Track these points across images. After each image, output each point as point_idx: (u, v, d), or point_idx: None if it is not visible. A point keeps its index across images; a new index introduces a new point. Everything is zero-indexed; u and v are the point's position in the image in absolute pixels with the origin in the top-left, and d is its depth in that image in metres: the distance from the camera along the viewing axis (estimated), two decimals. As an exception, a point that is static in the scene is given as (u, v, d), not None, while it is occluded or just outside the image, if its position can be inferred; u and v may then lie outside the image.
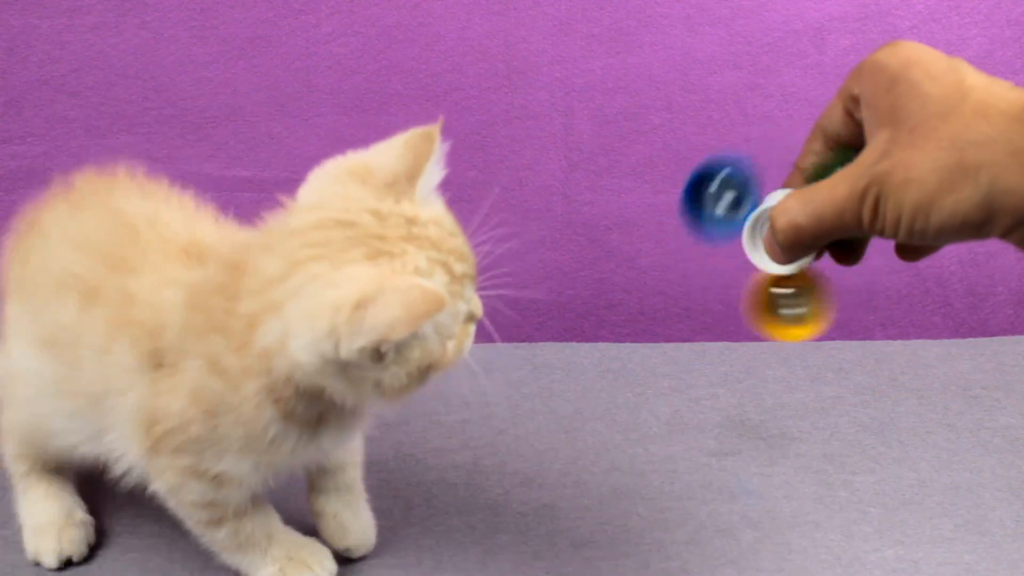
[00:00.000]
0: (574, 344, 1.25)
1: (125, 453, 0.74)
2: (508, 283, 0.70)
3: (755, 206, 0.66)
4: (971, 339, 1.27)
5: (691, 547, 0.86)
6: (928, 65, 0.57)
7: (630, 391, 1.12)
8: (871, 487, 0.94)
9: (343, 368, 0.63)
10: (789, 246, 0.61)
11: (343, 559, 0.82)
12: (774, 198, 0.64)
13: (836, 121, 0.63)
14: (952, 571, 0.82)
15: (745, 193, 0.66)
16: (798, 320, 0.67)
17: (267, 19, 1.23)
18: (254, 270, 0.66)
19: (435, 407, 1.06)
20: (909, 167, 0.55)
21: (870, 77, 0.59)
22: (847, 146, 0.63)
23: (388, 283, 0.61)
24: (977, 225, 0.54)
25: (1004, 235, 0.55)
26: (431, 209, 0.68)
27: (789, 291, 0.67)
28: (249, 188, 1.24)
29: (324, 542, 0.82)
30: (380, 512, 0.89)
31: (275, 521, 0.80)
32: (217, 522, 0.76)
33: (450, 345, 0.66)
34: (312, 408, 0.69)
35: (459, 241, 0.68)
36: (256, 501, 0.77)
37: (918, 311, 1.30)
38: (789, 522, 0.89)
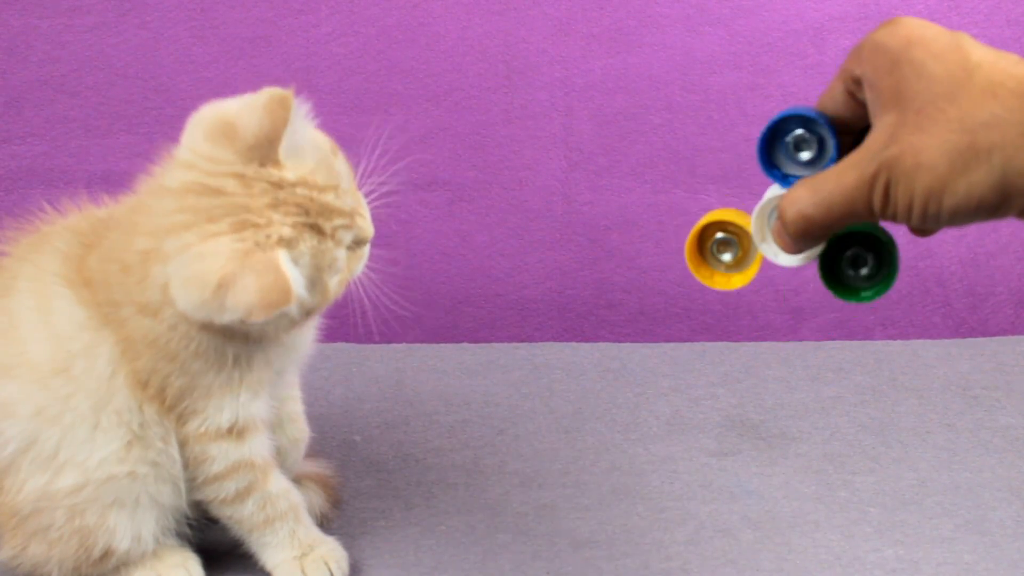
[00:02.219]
0: (574, 344, 1.25)
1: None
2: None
3: (833, 159, 0.62)
4: (971, 339, 1.27)
5: (691, 547, 0.86)
6: (930, 43, 0.55)
7: (630, 391, 1.12)
8: (871, 487, 0.94)
9: (229, 326, 0.69)
10: (799, 236, 0.60)
11: (354, 564, 0.82)
12: (779, 188, 0.63)
13: (838, 102, 0.61)
14: (952, 571, 0.82)
15: (823, 149, 0.62)
16: (729, 267, 0.67)
17: (267, 19, 1.23)
18: (142, 211, 0.72)
19: (435, 407, 1.06)
20: (919, 151, 0.53)
21: (871, 58, 0.57)
22: (849, 127, 0.61)
23: (247, 263, 0.65)
24: (993, 207, 0.53)
25: (1021, 215, 0.54)
26: (300, 167, 0.69)
27: (724, 238, 0.66)
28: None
29: None
30: (380, 512, 0.89)
31: (299, 498, 0.81)
32: (246, 491, 0.77)
33: (334, 281, 0.71)
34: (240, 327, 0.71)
35: (331, 196, 0.70)
36: (273, 470, 0.79)
37: (918, 311, 1.30)
38: (789, 522, 0.89)
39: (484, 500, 0.92)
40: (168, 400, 0.74)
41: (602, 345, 1.24)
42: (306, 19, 1.23)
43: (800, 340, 1.27)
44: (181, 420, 0.75)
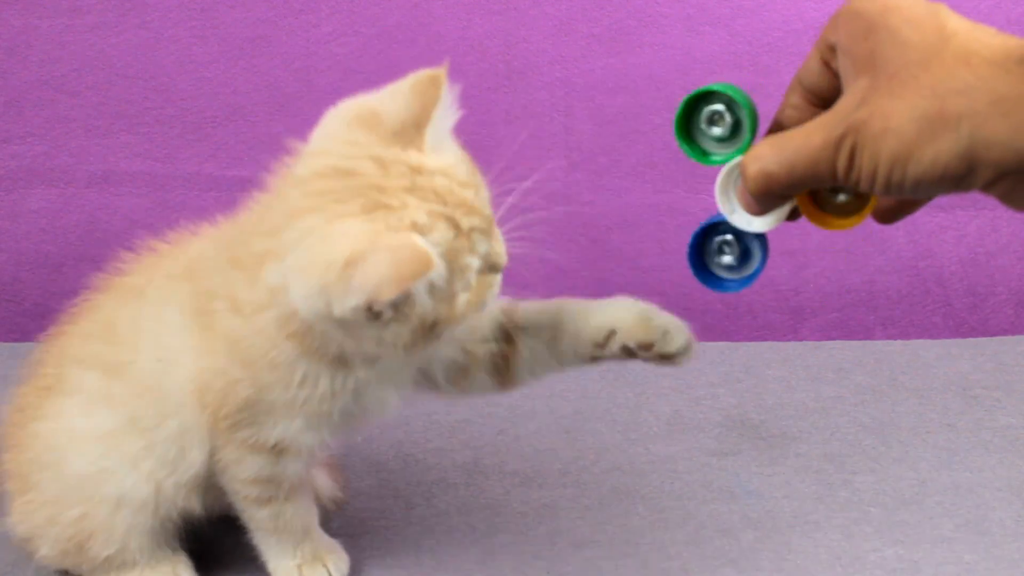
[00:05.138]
0: (574, 344, 1.25)
1: (197, 458, 0.74)
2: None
3: (764, 257, 0.66)
4: (971, 339, 1.27)
5: (691, 547, 0.86)
6: (907, 10, 0.54)
7: (630, 391, 1.12)
8: (871, 487, 0.94)
9: (342, 323, 0.63)
10: (760, 195, 0.58)
11: (354, 564, 0.82)
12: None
13: (814, 72, 0.60)
14: (952, 571, 0.82)
15: (748, 246, 0.66)
16: (846, 207, 0.63)
17: (267, 19, 1.23)
18: (264, 211, 0.68)
19: (435, 407, 1.06)
20: (887, 116, 0.52)
21: (847, 24, 0.56)
22: (826, 100, 0.60)
23: (380, 241, 0.60)
24: (958, 178, 0.52)
25: (985, 188, 0.52)
26: (442, 158, 0.64)
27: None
28: (249, 188, 1.24)
29: None
30: (380, 512, 0.89)
31: (314, 517, 0.80)
32: (267, 501, 0.75)
33: (462, 299, 0.64)
34: (328, 344, 0.67)
35: (470, 193, 0.64)
36: (303, 489, 0.77)
37: (918, 311, 1.30)
38: (789, 522, 0.89)
39: (484, 500, 0.92)
40: (227, 407, 0.71)
41: (602, 345, 1.24)
42: (306, 19, 1.23)
43: (800, 340, 1.27)
44: (234, 427, 0.72)
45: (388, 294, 0.59)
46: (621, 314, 0.74)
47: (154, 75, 1.23)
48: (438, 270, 0.61)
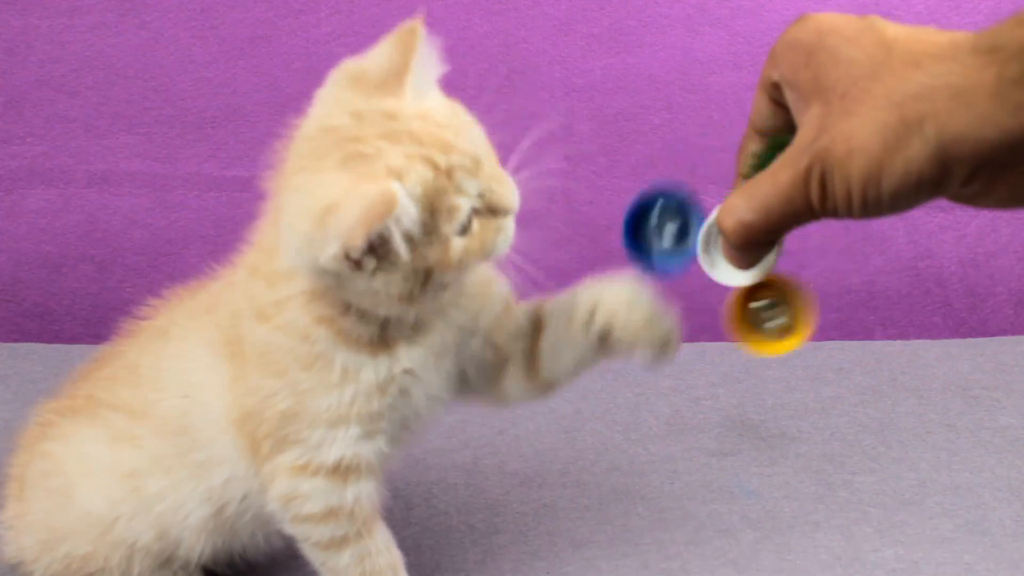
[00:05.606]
0: (574, 344, 1.25)
1: (240, 491, 0.71)
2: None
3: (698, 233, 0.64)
4: (971, 339, 1.27)
5: (691, 547, 0.86)
6: (842, 29, 0.53)
7: (630, 391, 1.12)
8: (871, 487, 0.94)
9: (336, 277, 0.62)
10: (742, 246, 0.57)
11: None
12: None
13: (764, 115, 0.59)
14: (952, 571, 0.82)
15: (688, 219, 0.64)
16: (783, 331, 0.64)
17: (267, 19, 1.23)
18: (270, 199, 0.67)
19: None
20: (849, 136, 0.51)
21: (785, 56, 0.55)
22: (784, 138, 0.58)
23: (353, 188, 0.59)
24: (934, 182, 0.50)
25: (964, 185, 0.51)
26: (420, 103, 0.64)
27: (766, 303, 0.64)
28: (249, 188, 1.24)
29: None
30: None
31: (397, 553, 0.74)
32: (340, 542, 0.70)
33: (457, 243, 0.63)
34: (362, 323, 0.66)
35: (449, 133, 0.63)
36: (378, 521, 0.73)
37: (918, 311, 1.30)
38: (789, 522, 0.89)
39: (484, 500, 0.92)
40: (266, 425, 0.68)
41: (602, 345, 1.24)
42: (306, 19, 1.23)
43: (800, 340, 1.27)
44: (277, 449, 0.68)
45: (357, 238, 0.58)
46: (610, 292, 0.72)
47: (154, 75, 1.23)
48: (406, 210, 0.59)
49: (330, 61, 1.27)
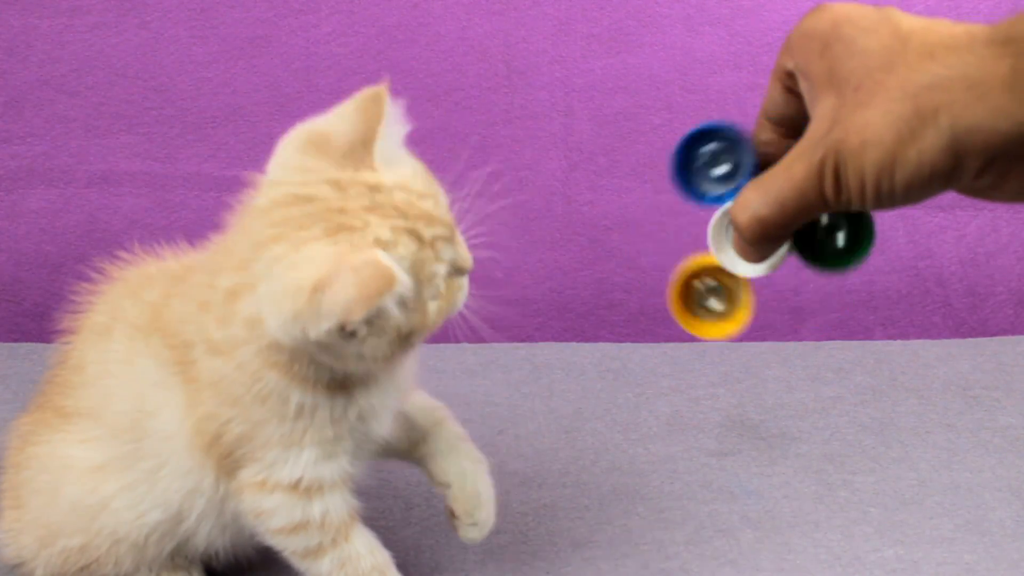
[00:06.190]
0: (574, 344, 1.25)
1: (202, 503, 0.72)
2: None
3: (748, 176, 0.61)
4: (971, 339, 1.27)
5: (691, 547, 0.86)
6: (858, 20, 0.53)
7: (630, 391, 1.12)
8: (871, 487, 0.94)
9: (321, 345, 0.63)
10: (757, 241, 0.57)
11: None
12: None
13: (778, 103, 0.59)
14: (952, 571, 0.82)
15: (740, 162, 0.62)
16: (719, 316, 0.64)
17: (267, 19, 1.23)
18: (229, 247, 0.68)
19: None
20: (862, 128, 0.50)
21: (800, 46, 0.55)
22: (796, 126, 0.58)
23: (344, 262, 0.60)
24: (947, 173, 0.50)
25: (976, 178, 0.51)
26: (397, 172, 0.65)
27: (710, 285, 0.64)
28: (249, 188, 1.25)
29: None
30: (380, 512, 0.89)
31: (383, 554, 0.74)
32: (316, 551, 0.71)
33: (433, 306, 0.65)
34: (320, 370, 0.67)
35: (430, 203, 0.65)
36: (357, 527, 0.73)
37: (918, 311, 1.30)
38: (789, 522, 0.89)
39: (484, 500, 0.92)
40: (223, 447, 0.69)
41: (602, 345, 1.24)
42: (306, 19, 1.23)
43: (800, 340, 1.27)
44: (236, 466, 0.70)
45: (358, 313, 0.59)
46: (463, 479, 0.79)
47: (154, 75, 1.23)
48: (404, 283, 0.61)
49: (330, 61, 1.28)
